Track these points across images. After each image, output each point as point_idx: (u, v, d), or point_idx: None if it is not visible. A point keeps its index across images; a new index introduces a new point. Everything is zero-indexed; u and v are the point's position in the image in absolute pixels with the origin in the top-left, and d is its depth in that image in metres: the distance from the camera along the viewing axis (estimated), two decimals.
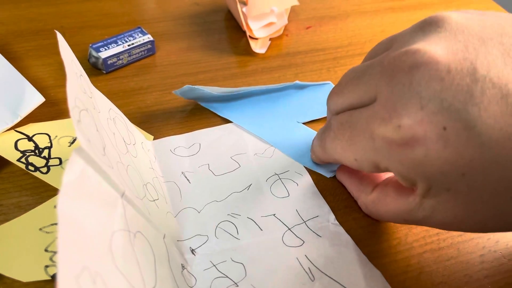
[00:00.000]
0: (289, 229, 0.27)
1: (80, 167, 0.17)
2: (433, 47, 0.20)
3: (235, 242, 0.27)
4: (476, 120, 0.19)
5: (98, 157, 0.19)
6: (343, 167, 0.30)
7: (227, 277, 0.25)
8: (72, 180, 0.16)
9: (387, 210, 0.25)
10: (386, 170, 0.22)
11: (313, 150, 0.30)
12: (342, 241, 0.27)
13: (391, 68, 0.21)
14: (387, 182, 0.26)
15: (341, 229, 0.27)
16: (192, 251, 0.26)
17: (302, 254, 0.26)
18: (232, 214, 0.28)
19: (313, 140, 0.30)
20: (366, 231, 0.28)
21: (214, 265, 0.25)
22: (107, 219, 0.18)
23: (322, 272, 0.25)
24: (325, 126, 0.28)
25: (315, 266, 0.25)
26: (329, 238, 0.27)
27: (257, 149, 0.32)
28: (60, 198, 0.15)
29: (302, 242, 0.27)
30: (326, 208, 0.29)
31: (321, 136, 0.28)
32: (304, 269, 0.25)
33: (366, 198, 0.27)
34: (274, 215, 0.28)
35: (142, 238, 0.21)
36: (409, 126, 0.20)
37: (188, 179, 0.30)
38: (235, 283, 0.25)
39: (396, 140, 0.20)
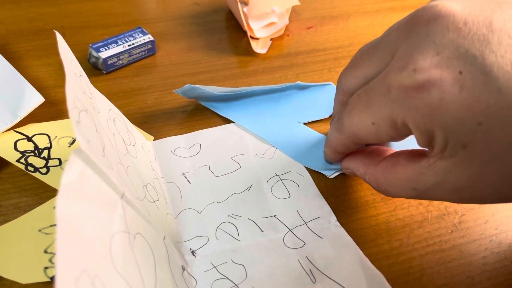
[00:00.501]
0: (290, 230, 0.27)
1: (79, 168, 0.17)
2: (450, 3, 0.21)
3: (236, 243, 0.27)
4: (492, 66, 0.19)
5: (98, 158, 0.19)
6: (348, 155, 0.29)
7: (228, 278, 0.25)
8: (71, 182, 0.16)
9: (397, 178, 0.24)
10: (404, 125, 0.22)
11: (328, 140, 0.29)
12: (343, 243, 0.27)
13: (409, 25, 0.22)
14: (398, 153, 0.25)
15: (342, 231, 0.27)
16: (193, 252, 0.26)
17: (303, 255, 0.26)
18: (232, 215, 0.28)
19: (328, 133, 0.29)
20: (367, 233, 0.28)
21: (215, 267, 0.25)
22: (107, 221, 0.18)
23: (323, 273, 0.25)
24: (334, 117, 0.28)
25: (316, 267, 0.25)
26: (330, 240, 0.27)
27: (258, 150, 0.32)
28: (58, 200, 0.15)
29: (303, 243, 0.27)
30: (327, 209, 0.28)
31: (337, 120, 0.27)
32: (305, 271, 0.25)
33: (375, 169, 0.26)
34: (275, 216, 0.28)
35: (142, 240, 0.21)
36: (425, 69, 0.20)
37: (188, 180, 0.30)
38: (236, 285, 0.24)
39: (412, 85, 0.20)
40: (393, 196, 0.25)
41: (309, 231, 0.27)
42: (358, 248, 0.26)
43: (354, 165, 0.28)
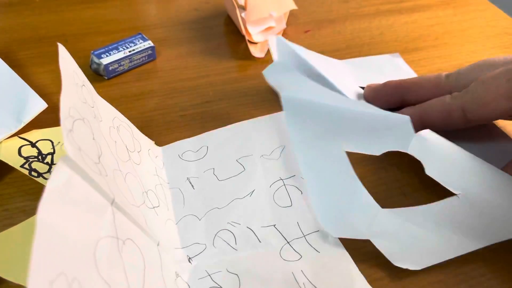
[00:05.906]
0: (287, 242, 0.27)
1: (66, 175, 0.17)
2: None
3: (232, 253, 0.27)
4: None
5: (89, 165, 0.19)
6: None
7: (221, 287, 0.25)
8: (55, 187, 0.17)
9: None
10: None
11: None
12: (339, 258, 0.26)
13: None
14: None
15: (340, 245, 0.27)
16: (189, 259, 0.26)
17: (298, 269, 0.26)
18: (231, 223, 0.28)
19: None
20: None
21: (209, 275, 0.25)
22: (93, 226, 0.18)
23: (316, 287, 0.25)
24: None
25: (310, 282, 0.25)
26: (327, 255, 0.27)
27: (264, 151, 0.31)
28: (41, 204, 0.15)
29: (300, 256, 0.26)
30: None
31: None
32: (298, 284, 0.25)
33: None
34: (274, 225, 0.28)
35: (132, 246, 0.21)
36: None
37: (192, 185, 0.30)
38: None
39: None
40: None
41: (306, 244, 0.27)
42: (354, 264, 0.26)
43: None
